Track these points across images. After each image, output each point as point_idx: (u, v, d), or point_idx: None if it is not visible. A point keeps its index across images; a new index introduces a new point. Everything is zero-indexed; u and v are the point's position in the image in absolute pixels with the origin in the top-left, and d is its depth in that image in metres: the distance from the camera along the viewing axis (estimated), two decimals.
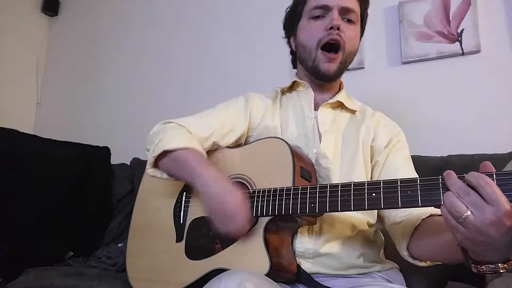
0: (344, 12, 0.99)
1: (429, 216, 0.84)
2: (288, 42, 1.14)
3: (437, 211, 0.85)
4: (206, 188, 0.84)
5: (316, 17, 1.01)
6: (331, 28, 0.97)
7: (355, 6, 1.01)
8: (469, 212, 0.57)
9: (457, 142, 1.49)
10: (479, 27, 1.53)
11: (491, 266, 0.61)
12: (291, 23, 1.10)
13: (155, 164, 0.96)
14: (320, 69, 1.00)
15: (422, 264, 0.86)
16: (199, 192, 0.86)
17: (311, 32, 1.01)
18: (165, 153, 0.92)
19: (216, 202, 0.82)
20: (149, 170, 0.97)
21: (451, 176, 0.61)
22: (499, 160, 1.17)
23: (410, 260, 0.87)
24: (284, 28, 1.13)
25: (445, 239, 0.74)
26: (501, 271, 0.61)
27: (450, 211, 0.59)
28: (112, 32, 2.51)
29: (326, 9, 1.00)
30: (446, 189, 0.61)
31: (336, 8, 0.98)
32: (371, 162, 1.00)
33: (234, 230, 0.80)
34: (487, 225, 0.56)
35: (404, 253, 0.88)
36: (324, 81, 1.04)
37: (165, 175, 0.96)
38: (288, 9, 1.12)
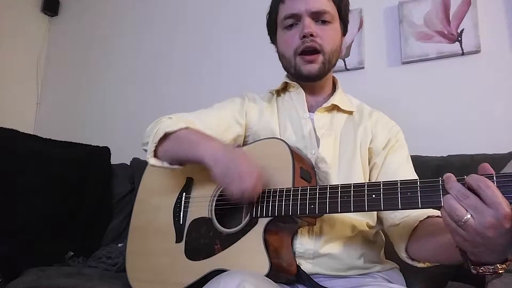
0: (316, 15, 0.98)
1: (426, 218, 0.84)
2: (276, 48, 1.12)
3: (435, 212, 0.85)
4: (215, 157, 0.84)
5: (290, 26, 1.00)
6: (304, 36, 0.96)
7: (326, 6, 0.99)
8: (468, 215, 0.57)
9: (457, 142, 1.49)
10: (479, 27, 1.53)
11: (490, 267, 0.61)
12: (270, 32, 1.10)
13: (155, 155, 0.95)
14: (302, 72, 0.99)
15: (421, 265, 0.86)
16: (207, 164, 0.85)
17: (287, 42, 1.01)
18: (166, 137, 0.92)
19: (228, 166, 0.81)
20: (151, 159, 0.95)
21: (450, 179, 0.61)
22: (499, 160, 1.18)
23: (409, 261, 0.87)
24: (268, 34, 1.12)
25: (443, 240, 0.74)
26: (500, 271, 0.61)
27: (450, 214, 0.59)
28: (112, 32, 2.51)
29: (296, 17, 0.99)
30: (446, 191, 0.61)
31: (306, 14, 0.97)
32: (369, 164, 1.00)
33: (249, 187, 0.78)
34: (487, 228, 0.56)
35: (403, 255, 0.88)
36: (310, 82, 1.03)
37: (166, 163, 0.95)
38: (266, 16, 1.10)
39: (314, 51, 0.97)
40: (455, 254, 0.66)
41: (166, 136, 0.92)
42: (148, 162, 0.96)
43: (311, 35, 0.96)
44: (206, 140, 0.89)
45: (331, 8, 1.00)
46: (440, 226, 0.76)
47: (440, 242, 0.76)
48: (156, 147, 0.94)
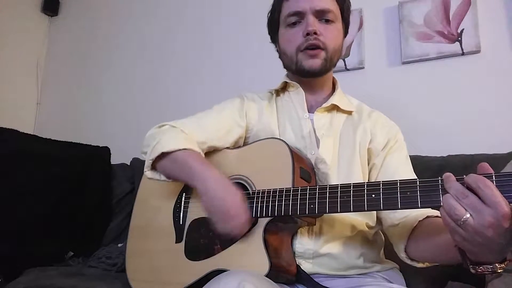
0: (320, 14, 0.98)
1: (426, 218, 0.84)
2: (276, 47, 1.12)
3: (434, 212, 0.85)
4: (207, 189, 0.84)
5: (293, 24, 1.00)
6: (308, 34, 0.96)
7: (330, 5, 0.99)
8: (468, 215, 0.57)
9: (457, 142, 1.49)
10: (479, 27, 1.53)
11: (489, 266, 0.61)
12: (272, 31, 1.09)
13: (153, 167, 0.96)
14: (304, 67, 0.99)
15: (420, 265, 0.86)
16: (200, 192, 0.86)
17: (290, 40, 1.00)
18: (163, 155, 0.92)
19: (217, 203, 0.82)
20: (147, 173, 0.97)
21: (450, 179, 0.61)
22: (499, 160, 1.17)
23: (408, 261, 0.87)
24: (269, 34, 1.12)
25: (442, 240, 0.74)
26: (499, 271, 0.61)
27: (449, 213, 0.59)
28: (112, 32, 2.51)
29: (300, 15, 0.98)
30: (445, 191, 0.61)
31: (310, 12, 0.97)
32: (368, 164, 1.00)
33: (234, 229, 0.80)
34: (486, 227, 0.56)
35: (402, 255, 0.88)
36: (311, 77, 1.03)
37: (163, 177, 0.96)
38: (268, 15, 1.10)
39: (317, 47, 0.97)
40: (454, 254, 0.66)
41: (163, 154, 0.92)
42: (145, 175, 0.98)
43: (315, 33, 0.96)
44: (202, 167, 0.88)
45: (334, 8, 1.00)
46: (439, 226, 0.76)
47: (439, 242, 0.76)
48: (154, 161, 0.94)
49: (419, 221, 0.84)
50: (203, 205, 0.85)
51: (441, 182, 0.63)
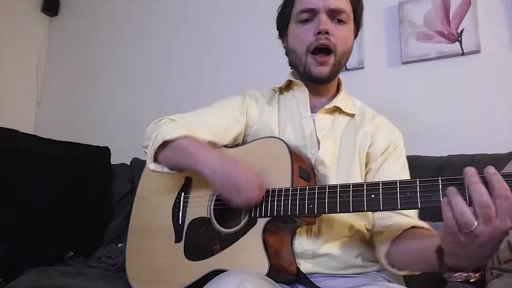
0: (333, 13, 0.96)
1: (411, 228, 0.84)
2: (283, 43, 1.10)
3: (421, 224, 0.85)
4: (213, 170, 0.85)
5: (304, 21, 0.98)
6: (319, 33, 0.94)
7: (344, 5, 0.97)
8: (476, 223, 0.54)
9: (457, 142, 1.49)
10: (479, 27, 1.53)
11: (463, 274, 0.60)
12: (281, 26, 1.07)
13: (155, 159, 0.96)
14: (312, 73, 0.97)
15: (402, 272, 0.86)
16: (206, 175, 0.86)
17: (300, 37, 0.98)
18: (165, 145, 0.92)
19: (227, 179, 0.82)
20: (150, 164, 0.96)
21: (474, 179, 0.55)
22: (498, 160, 1.17)
23: (389, 268, 0.85)
24: (277, 29, 1.10)
25: (422, 245, 0.74)
26: (471, 280, 0.60)
27: (457, 217, 0.56)
28: (112, 32, 2.51)
29: (313, 12, 0.96)
30: (445, 191, 0.59)
31: (323, 11, 0.95)
32: (365, 168, 0.99)
33: (249, 198, 0.80)
34: (488, 238, 0.55)
35: (383, 261, 0.86)
36: (318, 84, 1.02)
37: (166, 169, 0.96)
38: (279, 9, 1.08)
39: (327, 50, 0.95)
40: (432, 259, 0.65)
41: (165, 143, 0.92)
42: (148, 167, 0.97)
43: (326, 33, 0.94)
44: (205, 151, 0.89)
45: (348, 8, 0.98)
46: (422, 235, 0.77)
47: (418, 246, 0.76)
48: (156, 152, 0.94)
49: (404, 230, 0.84)
50: (213, 186, 0.87)
51: (441, 182, 0.63)
